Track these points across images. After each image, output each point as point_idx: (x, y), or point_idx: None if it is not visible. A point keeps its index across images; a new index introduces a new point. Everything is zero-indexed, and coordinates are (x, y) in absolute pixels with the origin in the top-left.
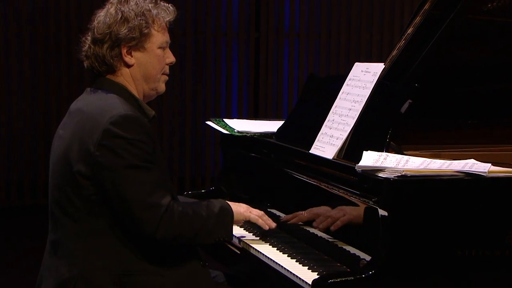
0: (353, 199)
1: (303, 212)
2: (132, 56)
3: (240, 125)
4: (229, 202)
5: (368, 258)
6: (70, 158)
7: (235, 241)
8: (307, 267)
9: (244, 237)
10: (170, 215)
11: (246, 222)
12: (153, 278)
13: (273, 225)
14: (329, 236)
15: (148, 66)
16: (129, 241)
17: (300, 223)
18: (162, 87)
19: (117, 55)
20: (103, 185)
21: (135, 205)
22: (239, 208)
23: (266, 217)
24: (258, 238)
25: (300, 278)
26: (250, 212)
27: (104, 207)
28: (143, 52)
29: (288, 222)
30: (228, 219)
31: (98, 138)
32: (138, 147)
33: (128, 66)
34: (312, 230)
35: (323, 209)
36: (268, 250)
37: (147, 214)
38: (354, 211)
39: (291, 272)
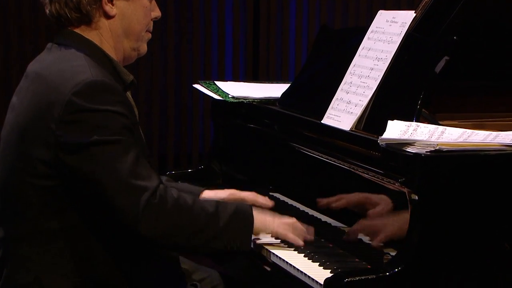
0: (375, 179)
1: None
2: (113, 5)
3: (236, 89)
4: (260, 210)
5: (393, 252)
6: (26, 138)
7: None
8: (318, 263)
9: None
10: (160, 202)
11: None
12: (124, 285)
13: (310, 237)
14: (345, 226)
15: (133, 19)
16: (96, 243)
17: (308, 210)
18: (144, 48)
19: (96, 2)
20: (70, 171)
21: (112, 189)
22: (264, 216)
23: (299, 226)
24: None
25: (309, 277)
26: (280, 224)
27: (67, 202)
28: (127, 1)
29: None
30: (248, 223)
31: (60, 113)
32: (111, 118)
33: (108, 17)
34: (324, 218)
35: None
36: (270, 243)
37: (127, 200)
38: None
39: (298, 270)
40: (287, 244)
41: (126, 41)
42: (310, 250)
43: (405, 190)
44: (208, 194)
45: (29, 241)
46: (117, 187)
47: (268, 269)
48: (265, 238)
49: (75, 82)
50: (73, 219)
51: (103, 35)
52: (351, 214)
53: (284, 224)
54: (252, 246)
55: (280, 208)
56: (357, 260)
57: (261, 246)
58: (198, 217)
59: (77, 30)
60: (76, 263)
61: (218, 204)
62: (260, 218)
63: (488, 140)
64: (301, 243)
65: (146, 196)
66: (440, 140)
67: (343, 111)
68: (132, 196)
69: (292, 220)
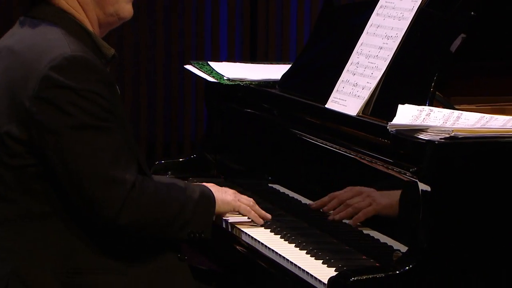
0: (384, 169)
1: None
2: None
3: (232, 71)
4: (211, 186)
5: (404, 248)
6: None
7: (223, 225)
8: (321, 260)
9: (236, 220)
10: (138, 195)
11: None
12: (113, 277)
13: (269, 216)
14: (351, 221)
15: None
16: (80, 229)
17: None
18: (126, 9)
19: None
20: (44, 153)
21: (89, 181)
22: (225, 196)
23: (258, 207)
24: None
25: (312, 276)
26: (239, 200)
27: (46, 183)
28: None
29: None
30: (210, 209)
31: (35, 88)
32: (91, 100)
33: None
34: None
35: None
36: (268, 239)
37: (107, 193)
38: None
39: (300, 268)
40: (288, 240)
41: (98, 8)
42: (312, 247)
43: (416, 180)
44: None
45: (4, 226)
46: (95, 179)
47: (264, 266)
48: (263, 233)
49: (52, 56)
50: (52, 203)
51: (73, 6)
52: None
53: (245, 202)
54: (247, 241)
55: (280, 201)
56: (364, 257)
57: (258, 242)
58: (170, 208)
59: (51, 2)
60: (59, 250)
61: (186, 190)
62: (222, 199)
63: (509, 125)
64: (261, 221)
65: (126, 190)
66: (456, 125)
67: (349, 95)
68: (112, 189)
69: (251, 200)
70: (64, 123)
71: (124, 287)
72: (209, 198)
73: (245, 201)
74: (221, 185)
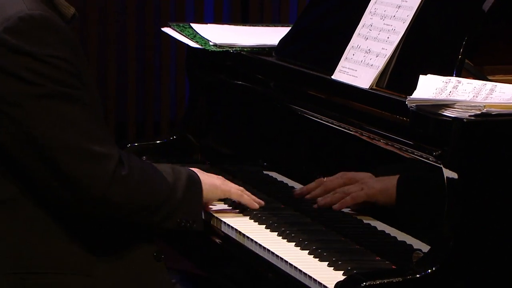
0: (402, 153)
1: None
2: None
3: (219, 35)
4: (196, 171)
5: (425, 248)
6: None
7: (208, 220)
8: (327, 262)
9: (223, 212)
10: (127, 171)
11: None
12: (77, 279)
13: (262, 202)
14: (361, 215)
15: None
16: (38, 223)
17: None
18: None
19: None
20: (4, 131)
21: (68, 157)
22: (214, 180)
23: (249, 193)
24: (247, 217)
25: (315, 281)
26: (228, 185)
27: (10, 163)
28: None
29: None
30: (198, 194)
31: None
32: (54, 65)
33: None
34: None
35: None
36: (263, 237)
37: (92, 169)
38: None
39: (301, 271)
40: (286, 238)
41: None
42: (316, 246)
43: (441, 166)
44: None
45: None
46: (73, 154)
47: (260, 270)
48: (258, 230)
49: (6, 16)
50: (4, 192)
51: None
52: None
53: (235, 187)
54: (238, 240)
55: (277, 192)
56: (378, 258)
57: (252, 241)
58: (160, 189)
59: None
60: (11, 248)
61: (174, 172)
62: (210, 183)
63: None
64: (256, 206)
65: (111, 166)
66: (489, 100)
67: (361, 63)
68: (97, 164)
69: (240, 187)
70: (25, 93)
71: None
72: (196, 183)
73: (235, 185)
74: (207, 172)
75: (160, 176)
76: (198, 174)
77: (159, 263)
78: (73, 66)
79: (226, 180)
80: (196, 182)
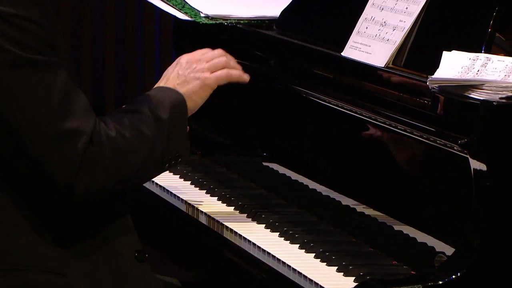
0: (423, 140)
1: None
2: None
3: (212, 5)
4: (169, 83)
5: (449, 250)
6: None
7: (202, 218)
8: (336, 267)
9: (219, 214)
10: (99, 148)
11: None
12: (49, 277)
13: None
14: (376, 212)
15: None
16: (3, 212)
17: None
18: None
19: None
20: None
21: (34, 136)
22: (191, 86)
23: (234, 62)
24: (244, 215)
25: None
26: (210, 78)
27: None
28: None
29: None
30: (184, 122)
31: None
32: (24, 28)
33: None
34: (345, 200)
35: None
36: (263, 238)
37: (58, 152)
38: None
39: (306, 277)
40: (289, 239)
41: None
42: (324, 249)
43: (467, 156)
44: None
45: None
46: (41, 132)
47: (259, 275)
48: (255, 229)
49: None
50: None
51: None
52: (387, 196)
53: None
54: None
55: (279, 186)
56: (394, 262)
57: (249, 241)
58: (138, 151)
59: None
60: None
61: (153, 114)
62: (192, 91)
63: None
64: (246, 78)
65: (82, 144)
66: None
67: (375, 38)
68: (64, 145)
69: (221, 52)
70: None
71: None
72: (181, 107)
73: (215, 61)
74: (198, 163)
75: (138, 133)
76: (177, 89)
77: (141, 264)
78: (44, 31)
79: (199, 62)
80: (180, 107)
